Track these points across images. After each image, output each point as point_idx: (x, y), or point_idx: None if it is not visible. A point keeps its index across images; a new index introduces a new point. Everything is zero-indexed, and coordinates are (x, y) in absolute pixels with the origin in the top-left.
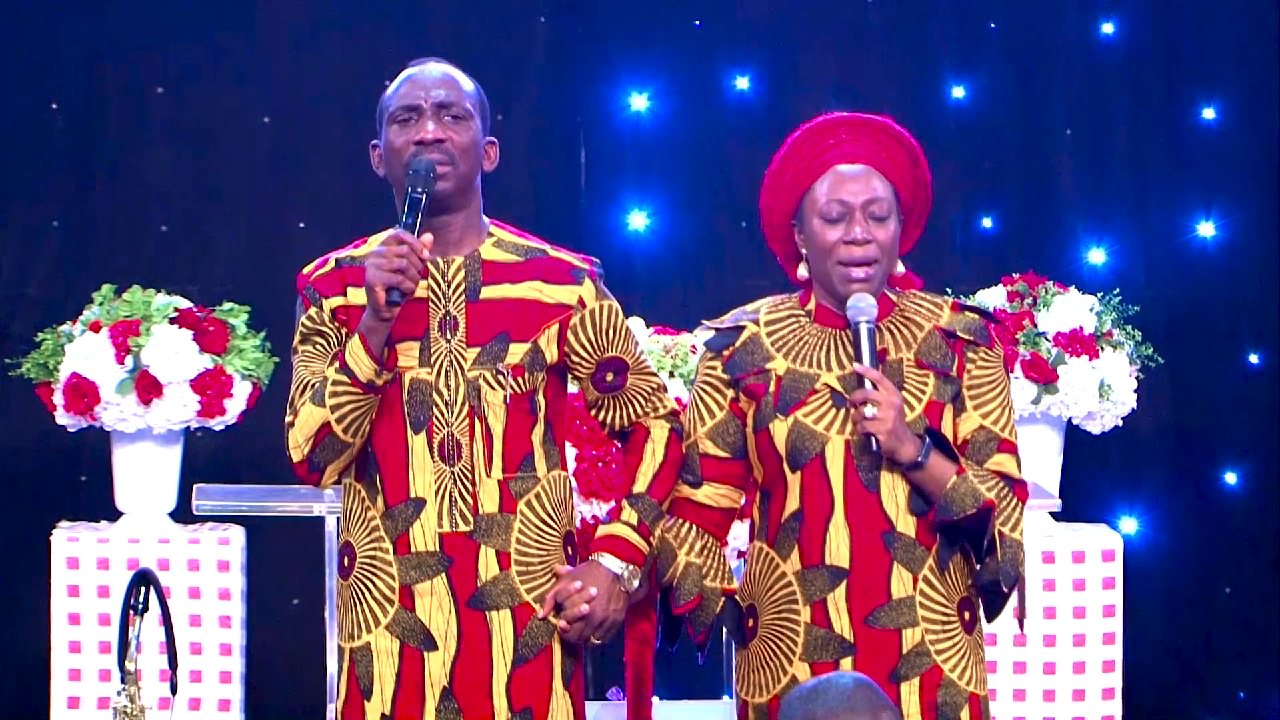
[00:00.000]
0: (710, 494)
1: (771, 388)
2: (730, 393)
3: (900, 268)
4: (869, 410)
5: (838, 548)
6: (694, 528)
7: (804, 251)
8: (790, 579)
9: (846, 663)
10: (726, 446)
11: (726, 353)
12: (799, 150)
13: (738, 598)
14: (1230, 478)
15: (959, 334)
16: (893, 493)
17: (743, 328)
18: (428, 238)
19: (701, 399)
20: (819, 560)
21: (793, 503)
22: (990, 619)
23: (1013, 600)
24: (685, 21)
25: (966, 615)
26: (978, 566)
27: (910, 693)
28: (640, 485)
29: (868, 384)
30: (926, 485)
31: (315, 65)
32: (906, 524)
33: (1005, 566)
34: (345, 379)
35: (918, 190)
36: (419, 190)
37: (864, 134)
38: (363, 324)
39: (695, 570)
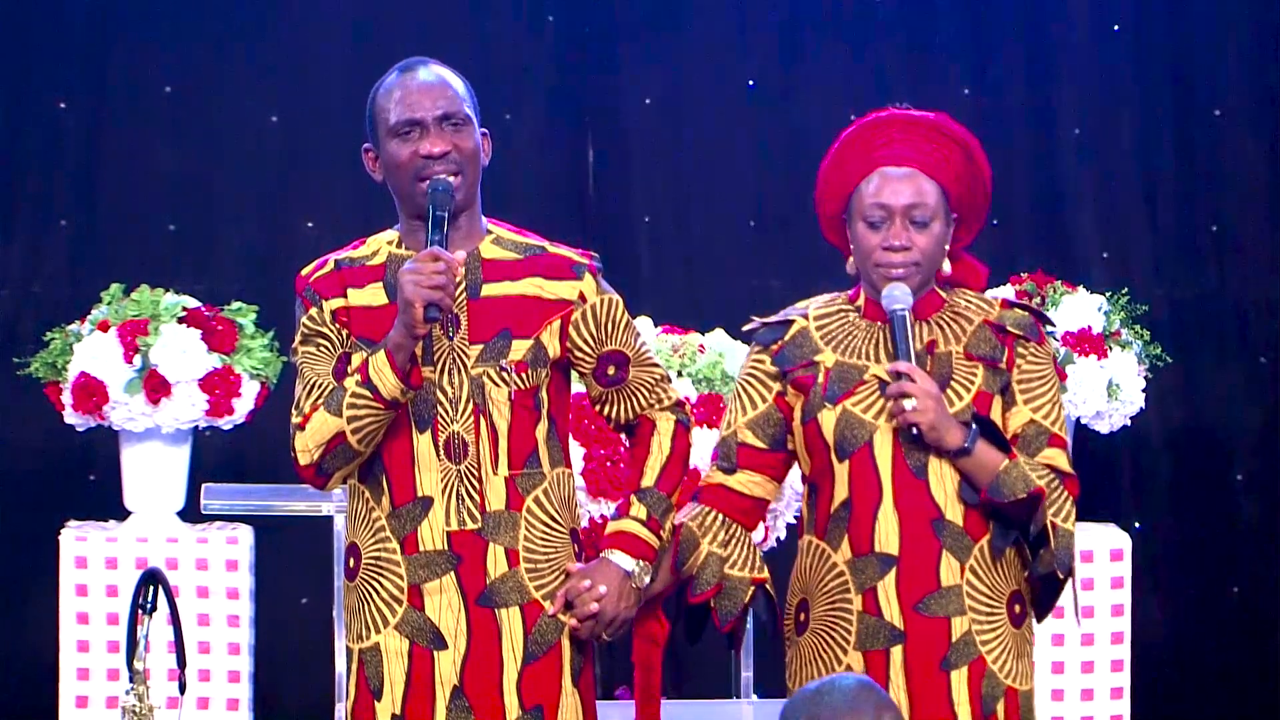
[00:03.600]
0: (744, 480)
1: (820, 379)
2: (777, 386)
3: (947, 267)
4: (908, 404)
5: (887, 535)
6: (720, 516)
7: (852, 247)
8: (842, 569)
9: (896, 651)
10: (766, 438)
11: (775, 346)
12: (849, 148)
13: (789, 592)
14: (1238, 477)
15: (1009, 328)
16: (941, 480)
17: (792, 322)
18: (460, 254)
19: (745, 391)
20: (868, 548)
21: (841, 492)
22: (1041, 618)
23: (1066, 593)
24: (693, 19)
25: (1017, 609)
26: (1032, 560)
27: (960, 681)
28: (648, 479)
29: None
30: (975, 473)
31: (323, 65)
32: (955, 512)
33: (1061, 554)
34: (367, 393)
35: (974, 186)
36: (440, 209)
37: (915, 134)
38: (390, 340)
39: (716, 560)
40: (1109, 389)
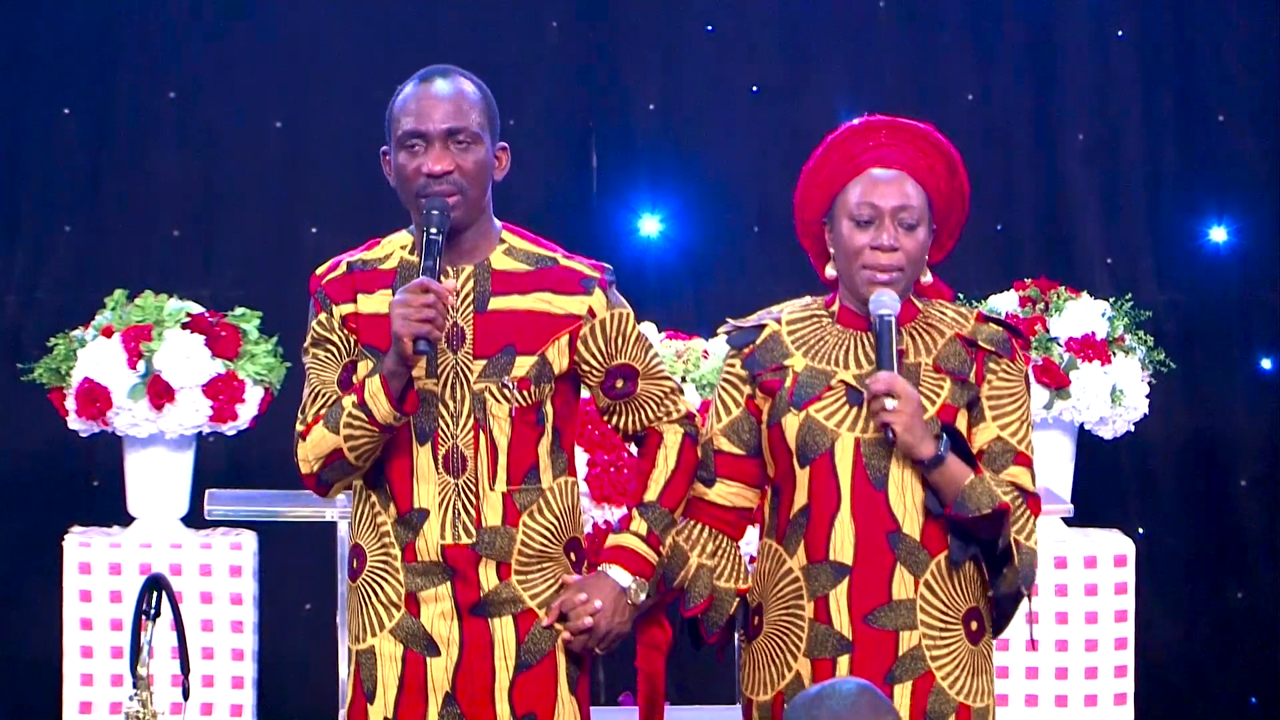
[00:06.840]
0: (724, 492)
1: (788, 383)
2: (747, 389)
3: (928, 276)
4: (889, 403)
5: (842, 544)
6: (706, 529)
7: (832, 251)
8: (797, 574)
9: (843, 661)
10: (741, 444)
11: (746, 350)
12: (836, 150)
13: (748, 596)
14: (1242, 482)
15: (980, 344)
16: (901, 493)
17: (764, 326)
18: (451, 283)
19: (720, 396)
20: (823, 556)
21: (801, 498)
22: (999, 632)
23: (1023, 607)
24: (697, 25)
25: (973, 625)
26: (994, 577)
27: (902, 696)
28: (651, 493)
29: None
30: (942, 485)
31: (327, 69)
32: (913, 526)
33: (1024, 571)
34: (363, 416)
35: (953, 199)
36: (434, 232)
37: (903, 139)
38: (385, 367)
39: (706, 572)
40: (1113, 395)
